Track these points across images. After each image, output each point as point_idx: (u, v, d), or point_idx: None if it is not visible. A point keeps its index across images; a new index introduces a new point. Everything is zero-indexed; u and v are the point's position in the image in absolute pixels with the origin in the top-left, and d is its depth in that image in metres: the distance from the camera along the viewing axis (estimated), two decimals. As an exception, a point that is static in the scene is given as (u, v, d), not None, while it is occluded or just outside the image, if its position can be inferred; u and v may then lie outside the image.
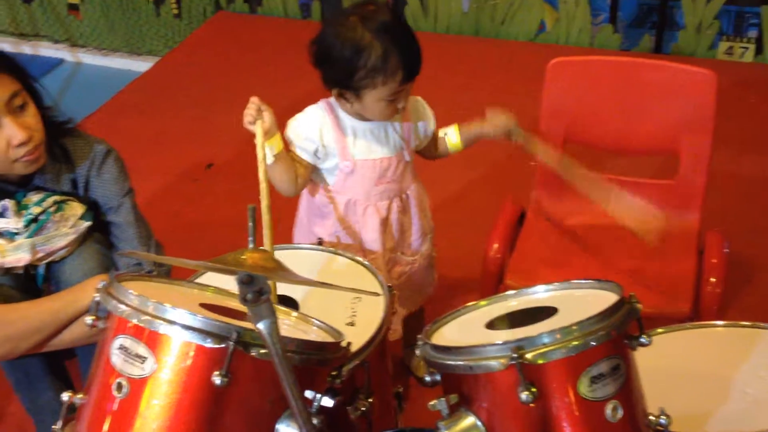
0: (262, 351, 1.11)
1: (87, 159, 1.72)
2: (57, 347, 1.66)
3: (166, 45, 4.10)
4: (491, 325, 1.31)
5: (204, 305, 1.30)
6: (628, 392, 1.15)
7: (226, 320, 1.16)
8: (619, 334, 1.14)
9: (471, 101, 2.90)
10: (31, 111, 1.60)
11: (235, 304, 1.34)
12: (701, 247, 1.97)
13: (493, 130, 1.80)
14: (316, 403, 1.15)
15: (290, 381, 1.07)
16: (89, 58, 4.23)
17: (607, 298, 1.19)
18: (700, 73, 1.95)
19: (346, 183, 1.75)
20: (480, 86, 3.30)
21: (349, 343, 1.31)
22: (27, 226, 1.65)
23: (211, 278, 1.51)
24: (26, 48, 4.29)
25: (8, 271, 1.66)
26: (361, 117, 1.71)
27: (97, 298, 1.21)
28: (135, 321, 1.13)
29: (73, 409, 1.22)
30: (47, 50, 4.27)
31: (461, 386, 1.18)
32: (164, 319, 1.12)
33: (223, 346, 1.10)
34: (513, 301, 1.37)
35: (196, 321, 1.11)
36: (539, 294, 1.36)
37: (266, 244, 1.51)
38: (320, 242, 1.75)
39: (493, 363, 1.11)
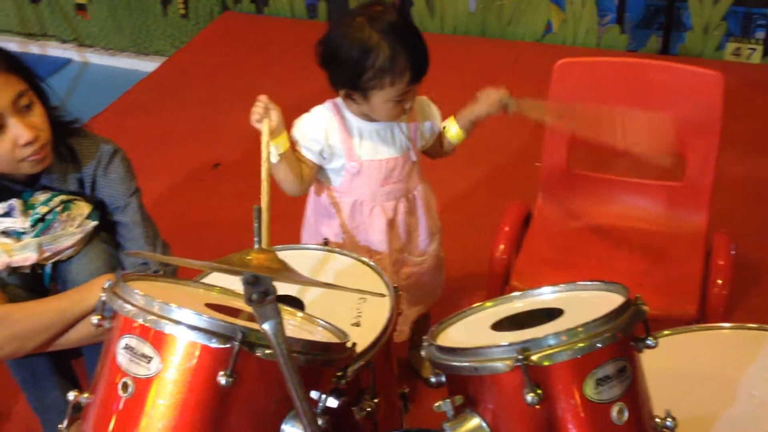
0: (268, 351, 1.11)
1: (93, 159, 1.72)
2: (63, 346, 1.66)
3: (173, 45, 4.10)
4: (497, 326, 1.30)
5: (209, 305, 1.30)
6: (634, 394, 1.15)
7: (232, 320, 1.16)
8: (625, 336, 1.13)
9: (477, 102, 2.90)
10: (37, 111, 1.60)
11: (241, 305, 1.34)
12: (708, 248, 1.97)
13: (488, 108, 1.77)
14: (321, 404, 1.15)
15: (295, 381, 1.07)
16: (96, 58, 4.24)
17: (613, 299, 1.18)
18: (707, 74, 1.94)
19: (353, 183, 1.75)
20: (486, 87, 3.29)
21: (354, 344, 1.30)
22: (34, 225, 1.65)
23: (216, 278, 1.51)
24: (34, 48, 4.31)
25: (15, 270, 1.67)
26: (368, 117, 1.71)
27: (103, 298, 1.21)
28: (141, 321, 1.13)
29: (78, 409, 1.22)
30: (55, 50, 4.29)
31: (466, 387, 1.18)
32: (170, 319, 1.12)
33: (228, 346, 1.10)
34: (519, 303, 1.37)
35: (201, 321, 1.11)
36: (545, 295, 1.35)
37: (263, 242, 1.50)
38: (326, 242, 1.75)
39: (499, 364, 1.11)
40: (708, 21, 3.40)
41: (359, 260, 1.66)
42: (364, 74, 1.58)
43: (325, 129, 1.70)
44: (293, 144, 1.71)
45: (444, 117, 1.83)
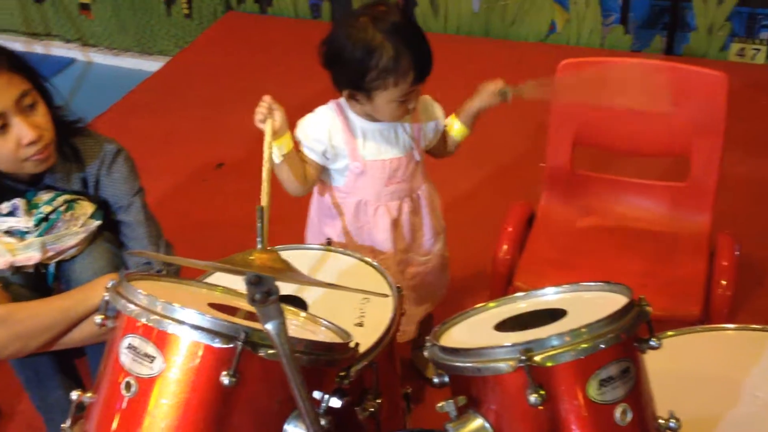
0: (271, 351, 1.11)
1: (97, 158, 1.73)
2: (67, 346, 1.66)
3: (176, 45, 4.11)
4: (500, 326, 1.30)
5: (212, 305, 1.30)
6: (638, 395, 1.15)
7: (235, 320, 1.16)
8: (628, 336, 1.13)
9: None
10: (41, 110, 1.60)
11: (243, 305, 1.34)
12: (712, 249, 1.96)
13: (486, 99, 1.77)
14: (324, 404, 1.15)
15: (298, 381, 1.07)
16: (100, 58, 4.25)
17: (617, 300, 1.18)
18: (711, 74, 1.94)
19: (357, 184, 1.75)
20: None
21: (357, 344, 1.30)
22: (37, 224, 1.65)
23: (220, 278, 1.52)
24: (38, 47, 4.32)
25: (19, 269, 1.67)
26: (371, 118, 1.71)
27: (107, 297, 1.21)
28: (144, 320, 1.13)
29: (82, 408, 1.22)
30: (59, 50, 4.30)
31: (469, 388, 1.18)
32: (173, 319, 1.12)
33: (231, 346, 1.10)
34: (522, 303, 1.36)
35: (204, 321, 1.11)
36: (548, 296, 1.35)
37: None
38: (329, 242, 1.75)
39: (502, 365, 1.11)
40: (712, 21, 3.39)
41: (362, 260, 1.66)
42: (367, 75, 1.58)
43: (328, 129, 1.70)
44: (296, 144, 1.71)
45: (447, 117, 1.82)
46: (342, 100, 1.72)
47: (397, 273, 1.81)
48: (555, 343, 1.10)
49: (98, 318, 1.22)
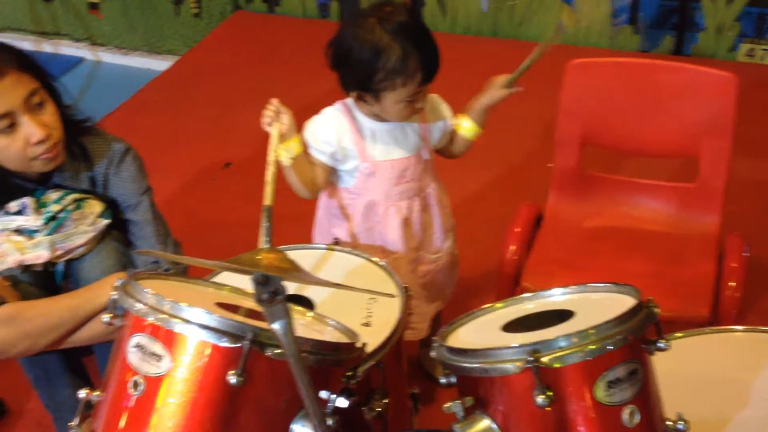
0: (277, 351, 1.11)
1: (105, 157, 1.73)
2: (75, 344, 1.67)
3: (185, 44, 4.12)
4: (507, 327, 1.30)
5: (220, 304, 1.30)
6: (646, 397, 1.14)
7: (242, 320, 1.16)
8: (636, 338, 1.13)
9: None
10: (49, 109, 1.61)
11: (251, 304, 1.34)
12: (720, 250, 1.95)
13: (495, 93, 1.76)
14: (331, 404, 1.15)
15: (305, 381, 1.07)
16: (109, 57, 4.26)
17: (625, 301, 1.18)
18: (720, 75, 1.93)
19: (366, 184, 1.75)
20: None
21: (364, 344, 1.30)
22: (46, 223, 1.66)
23: (227, 277, 1.52)
24: (47, 46, 4.33)
25: (27, 268, 1.68)
26: (379, 118, 1.70)
27: (115, 296, 1.21)
28: (151, 319, 1.14)
29: (90, 406, 1.22)
30: (68, 49, 4.31)
31: (477, 389, 1.18)
32: (180, 318, 1.12)
33: (238, 345, 1.10)
34: (529, 304, 1.36)
35: (211, 320, 1.11)
36: (556, 297, 1.35)
37: (261, 242, 1.51)
38: (336, 242, 1.75)
39: (509, 366, 1.11)
40: (721, 21, 3.38)
41: (370, 260, 1.66)
42: (375, 76, 1.58)
43: (336, 131, 1.70)
44: (305, 147, 1.71)
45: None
46: (349, 101, 1.72)
47: (408, 272, 1.81)
48: (562, 344, 1.09)
49: (106, 317, 1.22)
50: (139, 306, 1.16)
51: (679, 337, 1.48)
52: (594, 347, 1.09)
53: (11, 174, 1.65)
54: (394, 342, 1.44)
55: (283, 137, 1.62)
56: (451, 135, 1.83)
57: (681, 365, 1.38)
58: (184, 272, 1.74)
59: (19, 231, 1.66)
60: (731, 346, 1.49)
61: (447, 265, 1.91)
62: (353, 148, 1.71)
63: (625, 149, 2.13)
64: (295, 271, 1.11)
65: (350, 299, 1.53)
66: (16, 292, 1.65)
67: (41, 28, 4.35)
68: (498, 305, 1.38)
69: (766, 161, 2.84)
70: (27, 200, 1.66)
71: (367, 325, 1.49)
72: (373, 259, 1.66)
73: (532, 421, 1.13)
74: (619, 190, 2.12)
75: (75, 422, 1.24)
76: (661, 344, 1.15)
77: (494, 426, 1.16)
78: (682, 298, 1.82)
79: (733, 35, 3.39)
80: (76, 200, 1.69)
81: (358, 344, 1.29)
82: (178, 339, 1.12)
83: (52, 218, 1.66)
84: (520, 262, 1.97)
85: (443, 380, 1.22)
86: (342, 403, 1.16)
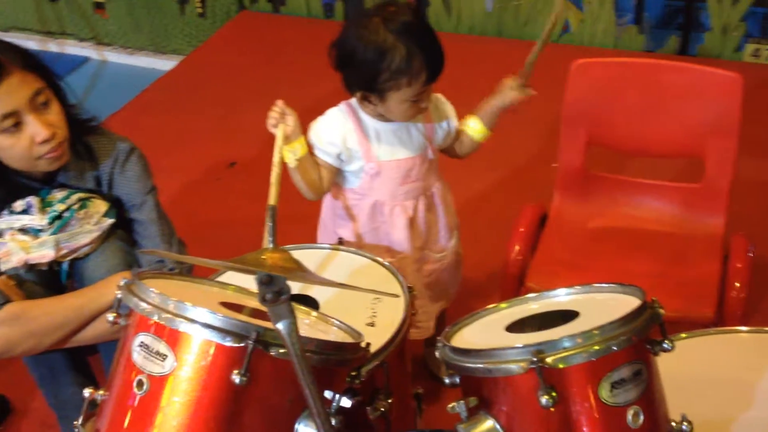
0: (282, 350, 1.11)
1: (110, 157, 1.73)
2: (80, 343, 1.67)
3: (190, 44, 4.12)
4: (512, 327, 1.30)
5: (224, 304, 1.30)
6: (650, 398, 1.14)
7: (246, 319, 1.16)
8: (641, 339, 1.12)
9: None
10: (54, 108, 1.61)
11: (256, 304, 1.34)
12: (726, 251, 1.95)
13: (509, 94, 1.75)
14: (334, 404, 1.15)
15: (309, 381, 1.07)
16: (114, 57, 4.26)
17: (629, 302, 1.18)
18: (725, 75, 1.92)
19: (372, 185, 1.75)
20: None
21: (368, 344, 1.30)
22: (51, 222, 1.66)
23: (231, 277, 1.52)
24: (52, 46, 4.34)
25: (32, 267, 1.68)
26: (384, 118, 1.70)
27: (119, 295, 1.21)
28: (156, 319, 1.14)
29: (94, 405, 1.23)
30: (73, 48, 4.32)
31: (481, 389, 1.18)
32: (185, 318, 1.12)
33: (242, 345, 1.10)
34: (534, 304, 1.36)
35: (216, 320, 1.11)
36: (560, 297, 1.35)
37: (265, 242, 1.51)
38: (340, 242, 1.75)
39: (513, 366, 1.11)
40: (727, 22, 3.37)
41: (374, 260, 1.66)
42: (380, 76, 1.58)
43: (341, 132, 1.70)
44: (310, 148, 1.71)
45: (461, 117, 1.82)
46: (353, 101, 1.71)
47: (414, 272, 1.81)
48: (567, 344, 1.09)
49: (111, 316, 1.23)
50: (143, 305, 1.16)
51: (684, 338, 1.48)
52: (598, 348, 1.09)
53: (16, 173, 1.65)
54: (399, 342, 1.44)
55: (288, 139, 1.62)
56: (457, 135, 1.83)
57: (685, 366, 1.37)
58: (188, 272, 1.74)
59: (24, 230, 1.66)
60: (736, 346, 1.48)
61: (452, 264, 1.91)
62: (358, 148, 1.71)
63: (630, 149, 2.12)
64: (299, 270, 1.11)
65: (354, 299, 1.53)
66: (21, 291, 1.65)
67: (46, 28, 4.36)
68: (502, 305, 1.38)
69: (771, 162, 2.84)
70: (32, 199, 1.67)
71: (371, 325, 1.49)
72: (378, 259, 1.66)
73: (536, 421, 1.13)
74: (624, 190, 2.12)
75: (79, 421, 1.24)
76: (665, 345, 1.15)
77: (498, 426, 1.16)
78: (686, 298, 1.82)
79: (738, 35, 3.38)
80: (81, 199, 1.69)
81: (363, 344, 1.29)
82: (183, 338, 1.12)
83: (57, 217, 1.66)
84: (524, 262, 1.96)
85: (447, 380, 1.22)
86: (346, 402, 1.16)
